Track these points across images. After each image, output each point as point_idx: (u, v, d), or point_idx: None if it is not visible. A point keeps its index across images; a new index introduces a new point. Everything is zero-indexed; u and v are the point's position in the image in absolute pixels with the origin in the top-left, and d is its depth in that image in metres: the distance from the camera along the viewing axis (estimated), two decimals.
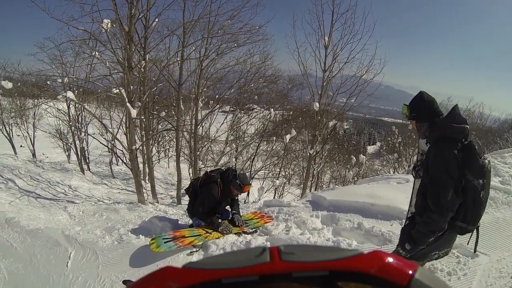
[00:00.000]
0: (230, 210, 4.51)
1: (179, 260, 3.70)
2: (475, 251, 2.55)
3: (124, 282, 1.26)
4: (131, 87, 8.40)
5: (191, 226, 4.48)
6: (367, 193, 4.67)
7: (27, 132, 19.69)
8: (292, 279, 0.37)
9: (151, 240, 3.86)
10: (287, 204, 5.09)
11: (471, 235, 2.36)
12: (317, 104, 11.40)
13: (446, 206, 2.12)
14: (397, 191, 4.71)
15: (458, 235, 2.39)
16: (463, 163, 2.12)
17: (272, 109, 14.15)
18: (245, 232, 4.33)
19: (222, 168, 4.56)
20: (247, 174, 4.21)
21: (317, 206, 4.86)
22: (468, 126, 2.18)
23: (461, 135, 2.16)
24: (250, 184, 4.23)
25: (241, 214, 4.58)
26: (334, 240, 3.70)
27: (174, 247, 3.74)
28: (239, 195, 4.49)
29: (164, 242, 3.81)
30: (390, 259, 0.37)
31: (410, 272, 0.36)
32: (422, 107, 2.34)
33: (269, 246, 0.40)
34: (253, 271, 0.36)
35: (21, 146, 19.99)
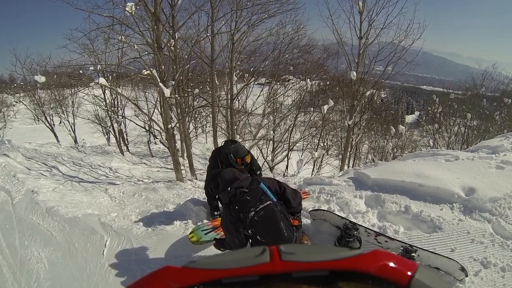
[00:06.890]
0: None
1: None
2: None
3: None
4: (163, 67, 8.32)
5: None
6: (414, 171, 4.23)
7: (67, 120, 20.52)
8: (292, 279, 0.37)
9: (190, 234, 3.72)
10: (329, 183, 4.75)
11: None
12: (354, 73, 10.89)
13: None
14: (446, 170, 4.23)
15: None
16: None
17: (308, 80, 13.87)
18: None
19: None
20: (243, 144, 3.66)
21: (361, 185, 4.48)
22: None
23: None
24: (247, 154, 3.70)
25: None
26: (380, 226, 3.38)
27: (218, 236, 3.54)
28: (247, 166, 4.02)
29: (205, 234, 3.67)
30: (390, 259, 0.37)
31: (410, 272, 0.36)
32: None
33: None
34: (253, 271, 0.37)
35: (59, 123, 20.92)
